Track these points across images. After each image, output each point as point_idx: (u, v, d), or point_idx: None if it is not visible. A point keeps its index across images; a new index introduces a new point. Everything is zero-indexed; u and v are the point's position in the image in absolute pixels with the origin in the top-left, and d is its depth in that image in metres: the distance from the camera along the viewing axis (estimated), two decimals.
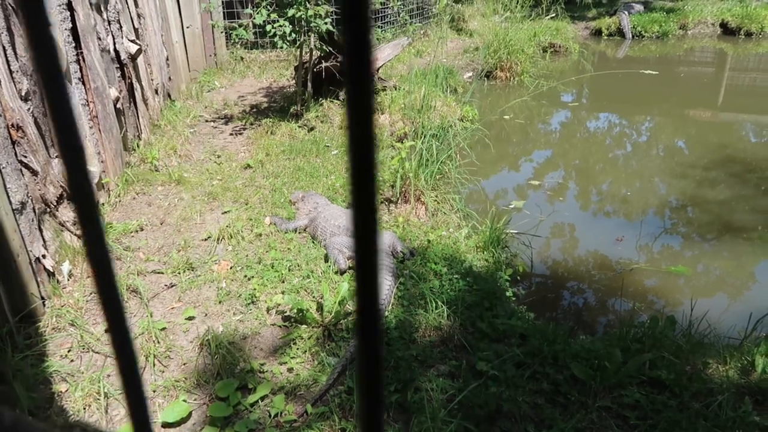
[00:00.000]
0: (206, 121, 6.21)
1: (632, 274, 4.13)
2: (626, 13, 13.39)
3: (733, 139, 7.27)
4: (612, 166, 6.63)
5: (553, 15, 10.12)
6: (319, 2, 5.57)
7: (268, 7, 5.55)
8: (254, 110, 6.49)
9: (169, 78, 6.50)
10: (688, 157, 6.68)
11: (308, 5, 5.39)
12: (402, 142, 4.75)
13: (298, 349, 2.77)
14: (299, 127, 5.81)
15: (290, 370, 2.66)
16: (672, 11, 13.63)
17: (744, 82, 10.54)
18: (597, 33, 13.39)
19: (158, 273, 3.40)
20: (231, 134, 5.85)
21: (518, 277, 3.83)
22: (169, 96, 6.47)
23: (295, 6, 5.36)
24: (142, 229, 3.89)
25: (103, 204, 4.06)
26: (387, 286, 3.09)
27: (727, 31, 13.34)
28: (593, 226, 5.01)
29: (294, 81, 6.54)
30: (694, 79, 10.83)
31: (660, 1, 14.74)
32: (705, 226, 4.92)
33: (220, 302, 3.13)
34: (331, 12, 5.98)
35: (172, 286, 3.28)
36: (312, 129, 5.78)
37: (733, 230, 4.76)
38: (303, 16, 5.38)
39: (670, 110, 8.64)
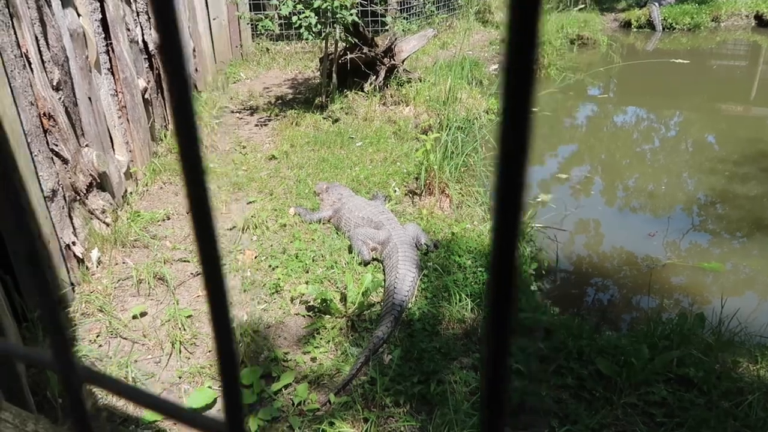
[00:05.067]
0: (232, 112, 6.25)
1: (660, 271, 4.05)
2: (657, 4, 13.09)
3: (766, 134, 7.08)
4: (639, 161, 6.51)
5: (582, 7, 9.95)
6: None
7: None
8: (279, 101, 6.52)
9: (196, 69, 6.55)
10: (718, 153, 6.53)
11: None
12: (427, 134, 4.72)
13: (321, 338, 2.79)
14: (324, 118, 5.82)
15: (313, 359, 2.68)
16: (704, 3, 13.28)
17: None
18: (626, 25, 13.12)
19: (184, 261, 3.44)
20: (256, 125, 5.88)
21: (543, 272, 3.79)
22: (196, 87, 6.53)
23: None
24: (168, 218, 3.94)
25: (131, 192, 4.12)
26: (411, 278, 3.08)
27: (762, 23, 12.95)
28: (620, 222, 4.93)
29: (319, 72, 6.55)
30: (726, 72, 10.55)
31: None
32: (735, 223, 4.81)
33: (244, 291, 3.15)
34: (357, 3, 5.96)
35: (198, 275, 3.31)
36: (336, 120, 5.79)
37: (764, 228, 4.64)
38: (329, 7, 5.37)
39: (701, 104, 8.44)
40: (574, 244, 4.50)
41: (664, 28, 12.81)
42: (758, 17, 13.02)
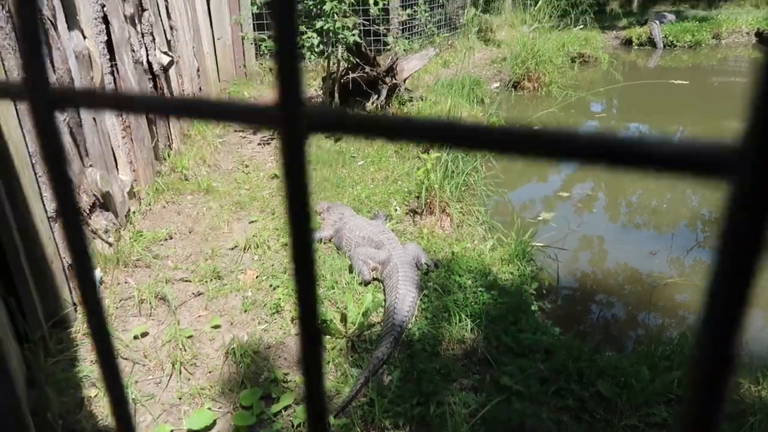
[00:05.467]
0: (235, 131, 6.31)
1: (663, 289, 4.04)
2: (657, 22, 13.20)
3: None
4: (642, 178, 6.52)
5: (582, 26, 10.03)
6: (347, 14, 5.63)
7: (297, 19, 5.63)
8: None
9: (200, 88, 6.63)
10: None
11: (336, 17, 5.46)
12: (428, 153, 4.75)
13: None
14: (326, 137, 5.86)
15: None
16: (705, 20, 13.39)
17: None
18: (627, 43, 13.23)
19: (186, 281, 3.46)
20: (259, 144, 5.94)
21: (544, 291, 3.79)
22: None
23: (323, 18, 5.43)
24: (171, 237, 3.97)
25: (134, 212, 4.15)
26: (411, 298, 3.09)
27: (763, 40, 13.03)
28: (623, 239, 4.93)
29: (322, 92, 6.61)
30: (727, 90, 10.60)
31: (692, 11, 14.50)
32: None
33: (245, 311, 3.17)
34: (359, 24, 6.04)
35: (199, 295, 3.33)
36: (338, 140, 5.83)
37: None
38: (331, 28, 5.45)
39: (703, 121, 8.47)
40: (576, 261, 4.50)
41: (665, 46, 12.90)
42: (759, 34, 13.11)
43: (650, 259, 4.45)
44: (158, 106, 0.33)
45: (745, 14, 13.44)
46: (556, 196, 5.70)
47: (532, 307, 3.39)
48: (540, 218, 4.97)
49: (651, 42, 12.98)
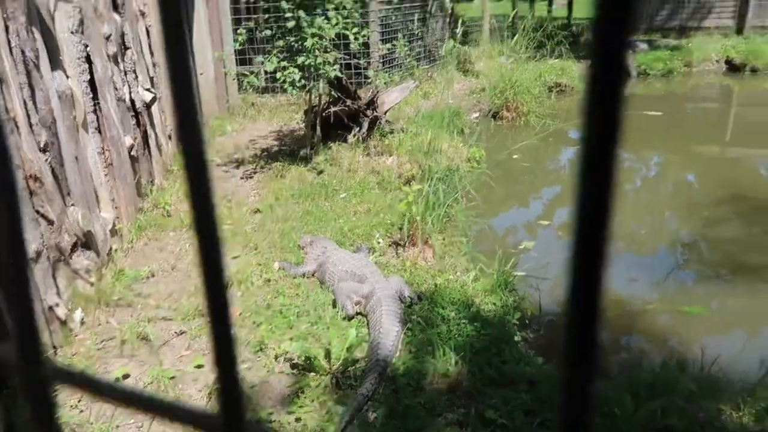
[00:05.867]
0: (218, 165, 6.33)
1: (644, 315, 4.10)
2: (631, 51, 13.57)
3: (742, 174, 7.28)
4: (622, 202, 6.65)
5: (558, 56, 10.29)
6: (328, 49, 5.73)
7: (279, 55, 5.72)
8: (265, 154, 6.62)
9: None
10: (698, 192, 6.69)
11: (317, 53, 5.55)
12: (409, 185, 4.81)
13: (305, 397, 2.78)
14: (308, 170, 5.91)
15: (298, 419, 2.66)
16: (676, 49, 13.79)
17: (751, 117, 10.59)
18: None
19: (168, 320, 3.43)
20: (242, 178, 5.96)
21: (527, 321, 3.82)
22: None
23: (305, 54, 5.52)
24: (153, 275, 3.95)
25: (116, 250, 4.13)
26: (395, 333, 3.10)
27: (732, 67, 13.45)
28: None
29: (304, 124, 6.68)
30: (701, 116, 10.89)
31: (664, 40, 14.95)
32: (718, 264, 4.89)
33: None
34: (340, 58, 6.14)
35: (182, 333, 3.31)
36: (321, 172, 5.88)
37: (746, 268, 4.72)
38: (312, 64, 5.53)
39: (678, 146, 8.68)
40: (558, 288, 4.53)
41: (638, 74, 13.25)
42: (728, 62, 13.54)
43: (631, 284, 4.51)
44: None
45: (714, 43, 13.88)
46: (538, 224, 5.78)
47: (516, 338, 3.41)
48: (521, 247, 5.02)
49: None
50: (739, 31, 14.97)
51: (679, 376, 3.02)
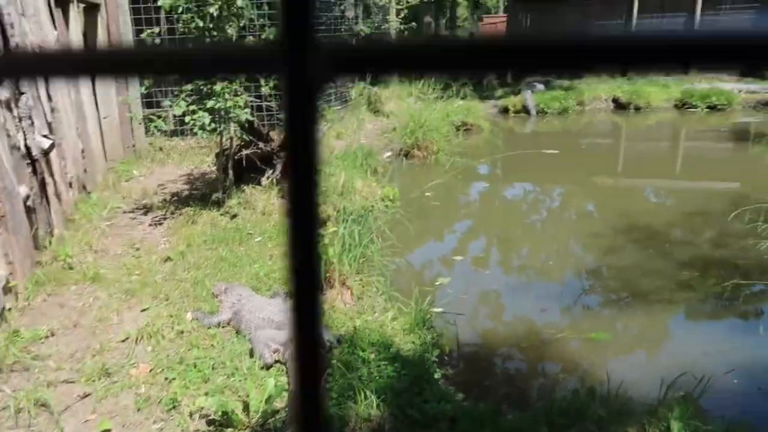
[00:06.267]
0: (124, 212, 6.06)
1: (555, 344, 4.28)
2: (530, 91, 14.49)
3: (634, 202, 7.89)
4: (529, 232, 6.99)
5: (463, 97, 10.81)
6: (238, 93, 5.70)
7: (187, 99, 5.62)
8: (175, 198, 6.41)
9: (85, 170, 6.34)
10: (597, 221, 7.16)
11: (227, 96, 5.51)
12: (325, 226, 4.82)
13: None
14: (221, 215, 5.78)
15: None
16: (570, 89, 14.87)
17: (639, 150, 11.61)
18: (505, 111, 14.36)
19: (70, 382, 3.20)
20: (150, 225, 5.73)
21: (446, 357, 3.89)
22: (85, 188, 6.30)
23: (214, 98, 5.46)
24: (53, 335, 3.68)
25: (9, 309, 3.82)
26: None
27: (619, 106, 14.69)
28: (517, 295, 5.19)
29: (215, 167, 6.56)
30: (595, 150, 11.76)
31: (558, 80, 16.08)
32: (618, 289, 5.23)
33: (138, 410, 2.97)
34: (251, 101, 6.12)
35: (86, 396, 3.09)
36: (234, 216, 5.77)
37: (642, 292, 5.06)
38: (222, 107, 5.48)
39: (575, 178, 9.29)
40: (475, 322, 4.66)
41: (537, 113, 14.14)
42: (615, 101, 14.78)
43: (542, 314, 4.72)
44: None
45: (602, 83, 15.09)
46: (452, 260, 5.94)
47: (436, 375, 3.46)
48: (438, 283, 5.14)
49: (525, 110, 14.19)
50: (624, 72, 16.37)
51: (590, 402, 3.17)
